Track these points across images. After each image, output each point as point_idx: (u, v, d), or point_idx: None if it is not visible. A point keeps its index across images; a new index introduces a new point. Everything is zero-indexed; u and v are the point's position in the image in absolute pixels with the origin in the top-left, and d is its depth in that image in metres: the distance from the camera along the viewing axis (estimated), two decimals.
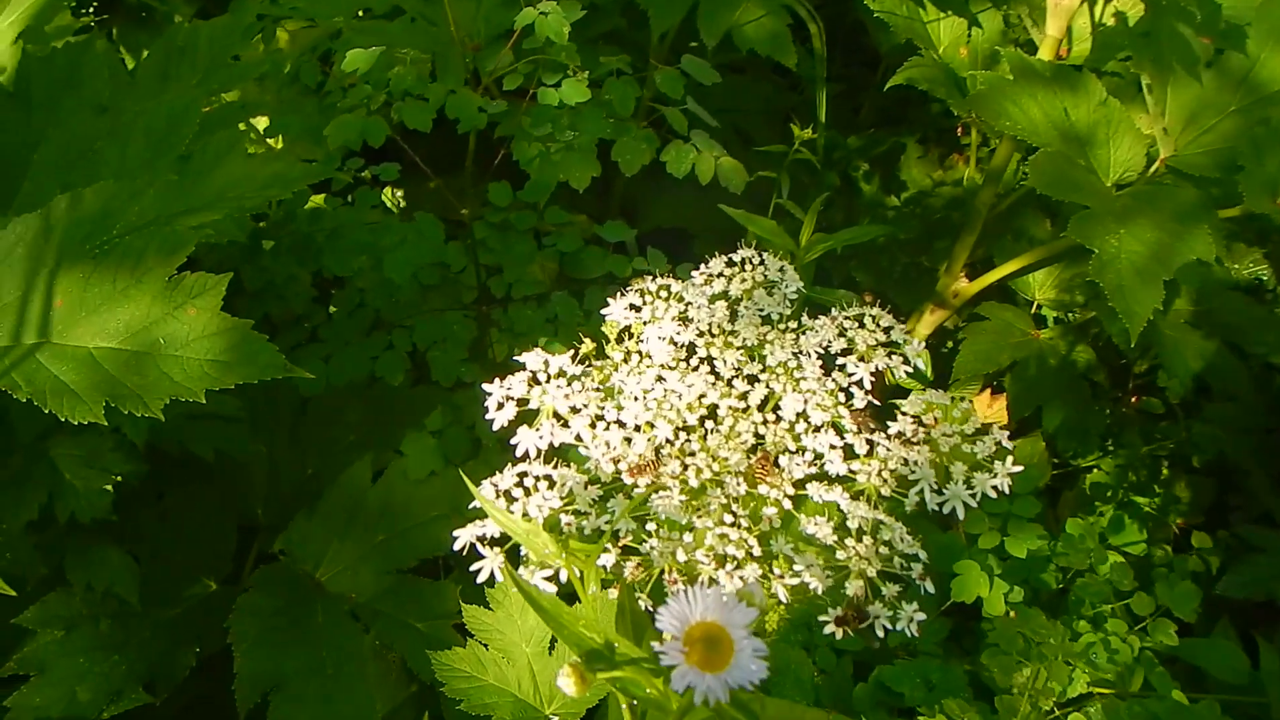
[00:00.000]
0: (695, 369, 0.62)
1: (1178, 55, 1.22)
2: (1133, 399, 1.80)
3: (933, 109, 2.04)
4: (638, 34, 1.85)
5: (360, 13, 1.53)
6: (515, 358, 0.61)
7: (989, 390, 1.66)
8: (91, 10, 1.76)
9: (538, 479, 0.56)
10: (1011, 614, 1.17)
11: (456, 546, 0.56)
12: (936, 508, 0.57)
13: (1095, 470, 1.61)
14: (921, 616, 0.56)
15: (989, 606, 1.21)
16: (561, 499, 0.55)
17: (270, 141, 1.61)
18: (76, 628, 1.09)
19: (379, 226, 1.27)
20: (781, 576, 0.53)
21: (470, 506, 0.54)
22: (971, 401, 1.64)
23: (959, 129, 1.99)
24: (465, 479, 0.53)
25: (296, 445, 1.41)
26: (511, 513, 0.54)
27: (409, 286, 1.28)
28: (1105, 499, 1.56)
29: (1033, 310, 1.67)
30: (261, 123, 1.67)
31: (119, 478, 1.05)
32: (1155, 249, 1.16)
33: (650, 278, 0.66)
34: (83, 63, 1.09)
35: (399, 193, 1.70)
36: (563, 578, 0.54)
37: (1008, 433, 0.59)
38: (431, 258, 1.26)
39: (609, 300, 0.65)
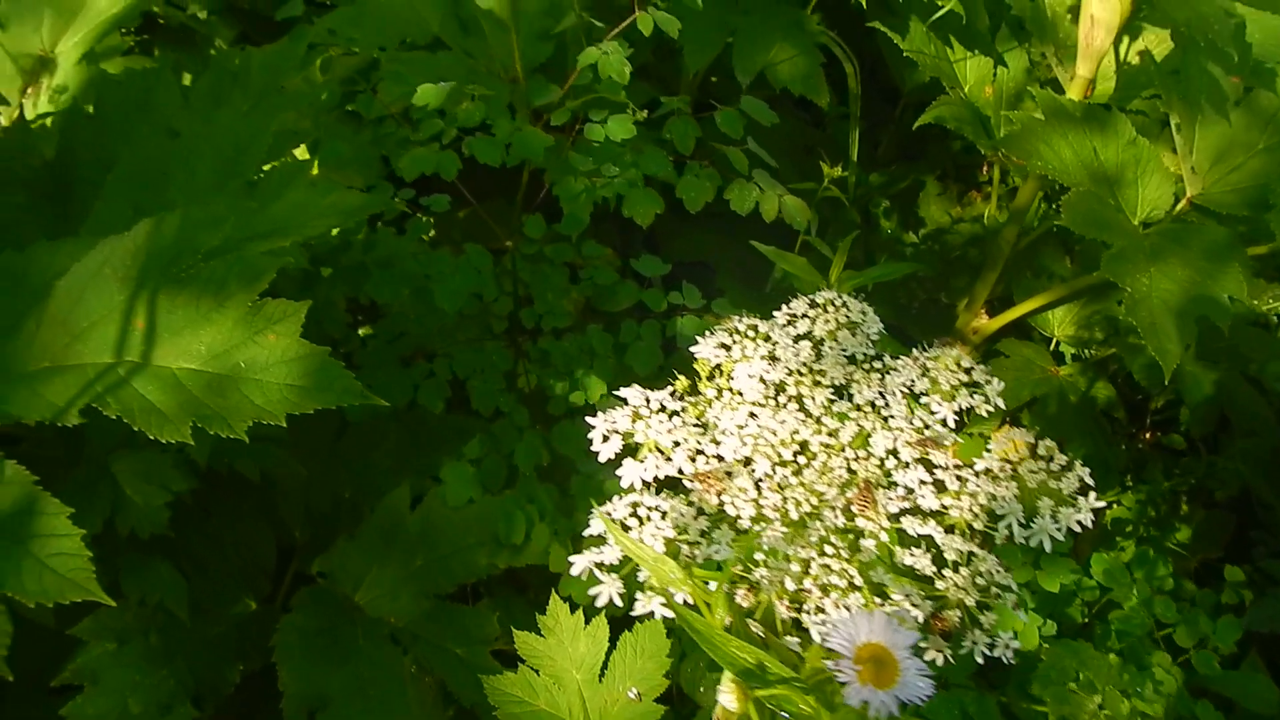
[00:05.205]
0: (784, 406, 0.65)
1: (1207, 94, 1.23)
2: (1146, 435, 1.83)
3: (953, 146, 2.07)
4: (664, 67, 1.89)
5: (404, 41, 1.57)
6: (615, 393, 0.64)
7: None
8: (132, 30, 1.78)
9: (650, 509, 0.58)
10: (1044, 646, 1.19)
11: (574, 572, 0.58)
12: (1024, 541, 0.60)
13: (1116, 506, 1.63)
14: (1017, 645, 0.58)
15: (1023, 640, 1.23)
16: (675, 528, 0.57)
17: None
18: (128, 641, 1.10)
19: (428, 257, 1.30)
20: (883, 605, 0.56)
21: (585, 534, 0.56)
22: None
23: (984, 166, 2.03)
24: (595, 507, 0.55)
25: (334, 467, 1.42)
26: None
27: (453, 316, 1.31)
28: (1125, 534, 1.58)
29: (1051, 347, 1.70)
30: (298, 150, 1.70)
31: (174, 495, 1.07)
32: (1187, 286, 1.17)
33: (738, 317, 0.69)
34: (156, 87, 1.13)
35: (428, 220, 1.73)
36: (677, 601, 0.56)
37: (1089, 469, 0.62)
38: (480, 288, 1.29)
39: (698, 338, 0.68)
